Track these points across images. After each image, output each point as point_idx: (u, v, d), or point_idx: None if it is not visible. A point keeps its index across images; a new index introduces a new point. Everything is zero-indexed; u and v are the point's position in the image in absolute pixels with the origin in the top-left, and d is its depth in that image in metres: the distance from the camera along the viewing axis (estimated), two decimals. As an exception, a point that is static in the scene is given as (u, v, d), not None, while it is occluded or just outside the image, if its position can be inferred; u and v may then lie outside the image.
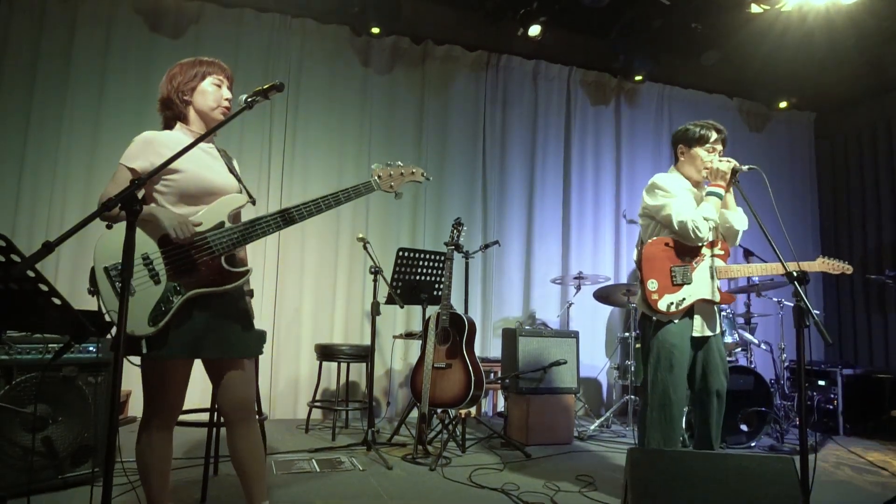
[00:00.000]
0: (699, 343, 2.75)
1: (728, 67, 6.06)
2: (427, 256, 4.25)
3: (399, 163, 2.24)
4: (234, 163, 2.23)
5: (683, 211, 2.68)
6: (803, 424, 1.99)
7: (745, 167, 2.65)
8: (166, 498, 2.01)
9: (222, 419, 2.19)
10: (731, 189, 2.75)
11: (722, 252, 2.78)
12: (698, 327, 2.73)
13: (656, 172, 6.30)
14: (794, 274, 1.98)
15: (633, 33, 5.58)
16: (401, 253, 4.18)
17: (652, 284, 2.71)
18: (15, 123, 4.56)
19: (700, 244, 2.74)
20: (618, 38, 5.66)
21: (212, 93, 2.08)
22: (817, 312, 5.45)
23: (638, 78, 5.94)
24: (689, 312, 2.71)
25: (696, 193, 2.83)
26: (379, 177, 2.17)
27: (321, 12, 5.30)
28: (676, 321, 2.69)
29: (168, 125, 2.12)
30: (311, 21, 5.35)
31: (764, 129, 6.90)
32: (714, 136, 2.81)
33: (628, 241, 6.19)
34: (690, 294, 2.69)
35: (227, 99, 2.09)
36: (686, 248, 2.74)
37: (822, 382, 5.14)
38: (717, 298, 2.73)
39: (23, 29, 4.65)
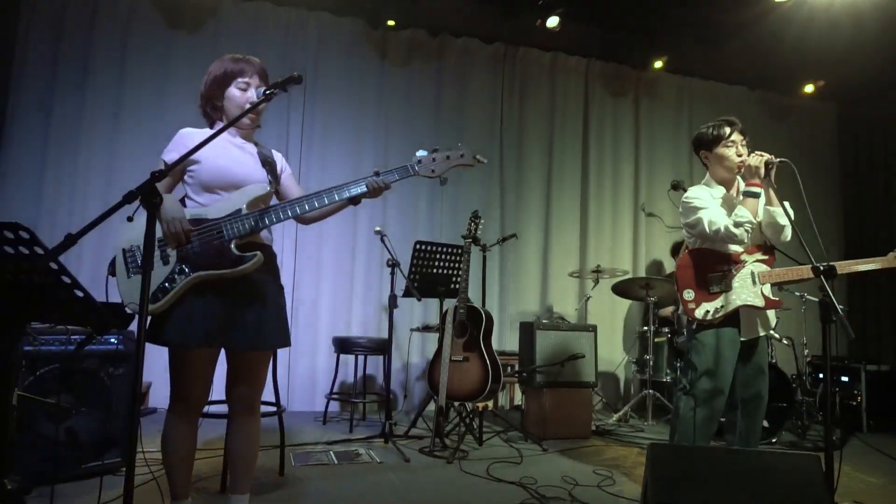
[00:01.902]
0: (745, 346, 2.69)
1: (749, 58, 5.94)
2: (444, 249, 4.24)
3: (449, 148, 2.12)
4: (277, 158, 2.24)
5: (715, 219, 2.64)
6: (828, 420, 1.96)
7: (776, 160, 2.59)
8: (188, 488, 2.04)
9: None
10: (769, 184, 2.66)
11: (766, 257, 2.70)
12: (745, 332, 2.67)
13: (675, 165, 6.23)
14: (821, 268, 1.94)
15: (653, 24, 5.49)
16: (418, 246, 4.18)
17: (688, 294, 2.67)
18: (36, 117, 4.62)
19: (740, 248, 2.69)
20: (636, 30, 5.58)
21: (236, 97, 2.10)
22: (842, 308, 5.35)
23: (658, 65, 5.84)
24: (735, 319, 2.65)
25: (731, 199, 2.76)
26: (419, 161, 2.09)
27: (337, 5, 5.29)
28: (719, 327, 2.64)
29: (210, 123, 2.18)
30: (327, 14, 5.34)
31: (786, 122, 6.77)
32: (728, 130, 2.74)
33: (647, 234, 6.13)
34: (730, 301, 2.63)
35: (249, 101, 2.08)
36: (724, 256, 2.69)
37: (845, 378, 5.06)
38: (761, 304, 2.65)
39: (43, 24, 4.70)
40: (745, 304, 2.63)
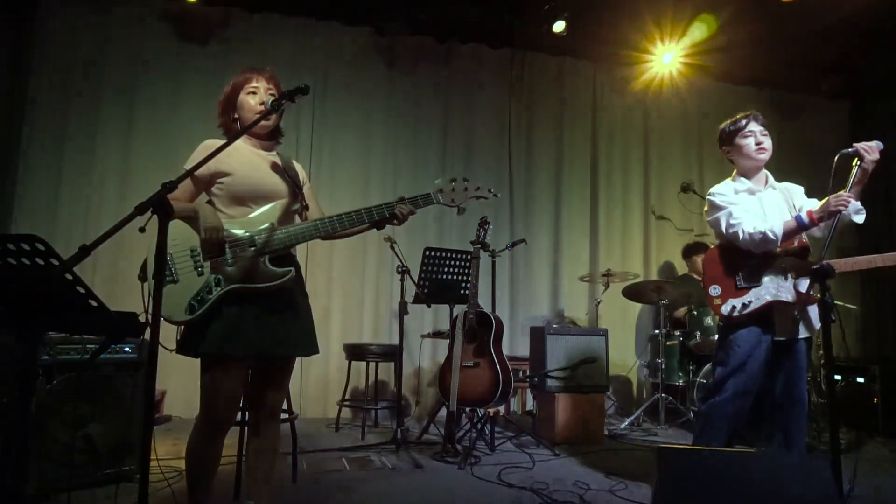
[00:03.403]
0: (783, 348, 2.58)
1: (758, 58, 5.92)
2: (454, 255, 4.25)
3: (466, 180, 2.23)
4: (298, 170, 2.27)
5: (736, 221, 2.58)
6: (834, 422, 1.95)
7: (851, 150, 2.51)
8: (207, 498, 2.05)
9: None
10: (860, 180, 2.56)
11: (800, 250, 2.59)
12: (780, 331, 2.55)
13: (685, 168, 6.18)
14: (817, 267, 1.95)
15: (659, 26, 5.49)
16: (427, 252, 4.20)
17: (714, 290, 2.61)
18: (52, 131, 4.70)
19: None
20: (644, 32, 5.58)
21: (247, 103, 2.12)
22: (854, 307, 5.30)
23: (666, 62, 5.81)
24: (767, 315, 2.56)
25: (756, 191, 2.71)
26: (441, 191, 2.18)
27: (345, 15, 5.34)
28: (745, 321, 2.56)
29: (230, 139, 2.17)
30: (335, 24, 5.40)
31: (797, 120, 6.72)
32: (744, 122, 2.74)
33: (657, 237, 6.11)
34: (759, 297, 2.54)
35: (261, 103, 2.11)
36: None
37: (860, 379, 5.00)
38: (791, 299, 2.53)
39: (57, 41, 4.78)
40: (774, 300, 2.53)
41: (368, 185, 5.34)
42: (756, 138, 2.72)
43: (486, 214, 4.15)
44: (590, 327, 5.16)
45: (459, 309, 3.98)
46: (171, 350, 1.95)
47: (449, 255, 4.25)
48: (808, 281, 2.50)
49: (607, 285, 5.23)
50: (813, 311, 2.60)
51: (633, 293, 5.08)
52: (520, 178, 5.81)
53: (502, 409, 4.70)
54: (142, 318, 1.58)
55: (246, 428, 2.99)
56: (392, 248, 4.08)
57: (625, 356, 5.78)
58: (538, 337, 4.43)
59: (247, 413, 2.94)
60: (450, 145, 5.62)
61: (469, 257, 4.16)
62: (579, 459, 3.74)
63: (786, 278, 2.57)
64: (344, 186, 5.26)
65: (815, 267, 2.00)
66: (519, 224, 5.74)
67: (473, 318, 3.83)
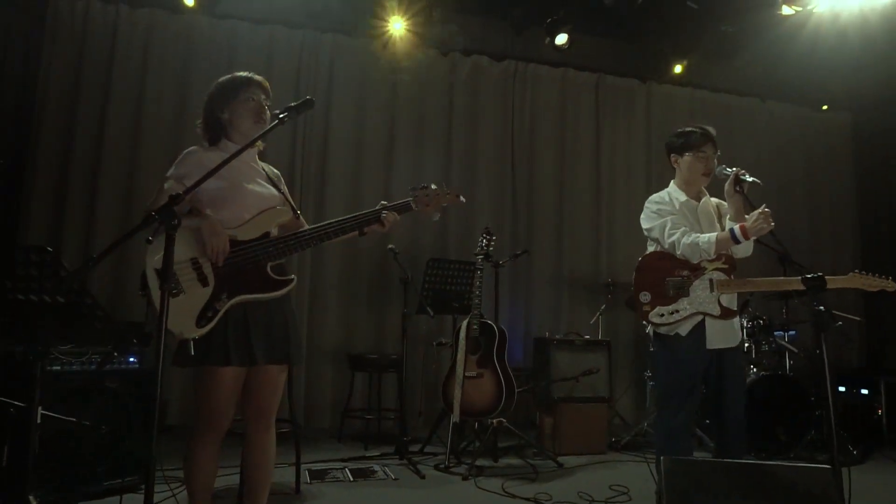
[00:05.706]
0: (714, 356, 2.64)
1: (760, 70, 5.95)
2: (456, 266, 4.26)
3: (433, 185, 2.30)
4: (278, 175, 2.31)
5: (674, 231, 2.66)
6: (832, 434, 1.95)
7: (749, 179, 2.57)
8: None
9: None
10: (745, 198, 2.61)
11: (726, 266, 2.65)
12: (711, 340, 2.61)
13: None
14: (809, 278, 1.97)
15: (662, 37, 5.53)
16: (430, 263, 4.21)
17: (644, 297, 2.67)
18: (58, 138, 4.72)
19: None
20: (646, 43, 5.62)
21: (241, 109, 2.13)
22: (858, 319, 5.28)
23: (678, 70, 5.83)
24: (700, 326, 2.62)
25: (694, 207, 2.78)
26: (416, 198, 2.27)
27: (350, 27, 5.39)
28: (682, 334, 2.61)
29: (212, 143, 2.18)
30: (340, 36, 5.43)
31: (799, 132, 6.73)
32: (700, 140, 2.77)
33: (660, 247, 6.11)
34: (686, 307, 2.61)
35: (261, 114, 2.13)
36: (684, 262, 2.68)
37: (864, 391, 4.98)
38: (716, 312, 2.60)
39: (64, 52, 4.81)
40: (699, 312, 2.60)
41: (370, 193, 5.33)
42: (707, 162, 2.76)
43: (489, 224, 4.16)
44: (593, 338, 5.15)
45: (462, 319, 3.98)
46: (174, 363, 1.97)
47: (452, 265, 4.26)
48: (731, 296, 2.64)
49: (610, 295, 5.23)
50: (737, 322, 2.73)
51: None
52: (522, 189, 5.82)
53: (505, 419, 4.70)
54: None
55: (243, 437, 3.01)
56: (395, 258, 4.09)
57: (628, 366, 5.76)
58: (541, 347, 4.43)
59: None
60: (453, 157, 5.63)
61: (472, 267, 4.17)
62: (583, 470, 3.73)
63: (711, 291, 2.63)
64: (347, 198, 5.27)
65: (808, 276, 2.01)
66: (522, 234, 5.75)
67: (477, 328, 3.83)
